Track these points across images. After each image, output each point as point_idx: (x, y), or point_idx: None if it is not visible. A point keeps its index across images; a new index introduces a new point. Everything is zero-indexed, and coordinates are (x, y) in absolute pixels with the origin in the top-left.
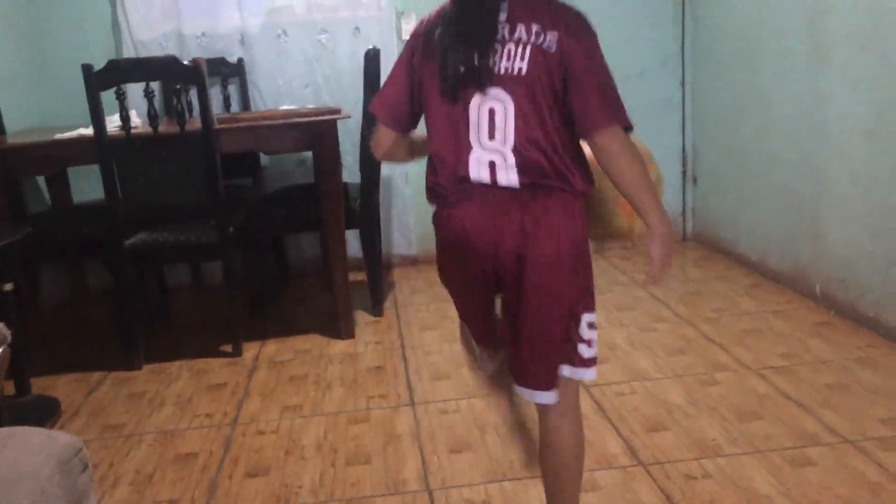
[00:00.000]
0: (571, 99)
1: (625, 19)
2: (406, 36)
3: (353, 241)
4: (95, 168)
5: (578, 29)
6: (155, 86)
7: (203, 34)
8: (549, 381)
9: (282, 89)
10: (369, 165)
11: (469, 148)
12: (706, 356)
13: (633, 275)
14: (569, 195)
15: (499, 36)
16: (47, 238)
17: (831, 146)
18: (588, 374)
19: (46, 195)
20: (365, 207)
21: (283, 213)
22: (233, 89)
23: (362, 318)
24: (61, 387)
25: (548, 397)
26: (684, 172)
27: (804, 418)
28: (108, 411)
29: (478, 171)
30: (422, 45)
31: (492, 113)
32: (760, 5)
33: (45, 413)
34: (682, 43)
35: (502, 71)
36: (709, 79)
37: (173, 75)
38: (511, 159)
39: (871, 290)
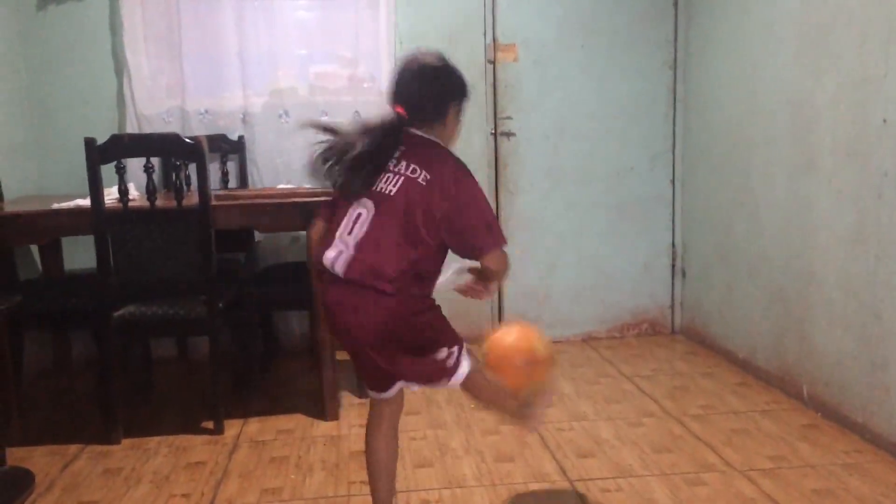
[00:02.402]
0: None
1: (618, 117)
2: None
3: None
4: (89, 235)
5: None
6: (155, 160)
7: (206, 111)
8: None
9: (280, 168)
10: None
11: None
12: (693, 455)
13: (619, 367)
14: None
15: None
16: (36, 306)
17: (818, 249)
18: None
19: (38, 262)
20: None
21: (274, 291)
22: (232, 166)
23: (348, 399)
24: (37, 458)
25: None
26: (673, 266)
27: None
28: (82, 487)
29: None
30: None
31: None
32: (751, 112)
33: (18, 486)
34: (673, 142)
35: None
36: (699, 177)
37: (174, 152)
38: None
39: (857, 394)
